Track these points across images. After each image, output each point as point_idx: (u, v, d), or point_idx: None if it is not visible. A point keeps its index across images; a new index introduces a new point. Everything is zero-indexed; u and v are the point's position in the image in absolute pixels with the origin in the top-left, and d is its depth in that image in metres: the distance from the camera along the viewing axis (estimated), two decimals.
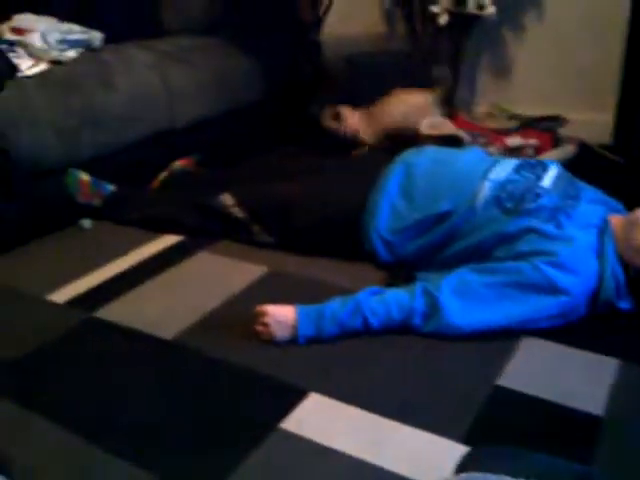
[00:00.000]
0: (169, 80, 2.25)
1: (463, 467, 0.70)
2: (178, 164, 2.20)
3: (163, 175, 2.15)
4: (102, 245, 1.87)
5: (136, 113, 2.13)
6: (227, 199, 1.84)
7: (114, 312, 1.54)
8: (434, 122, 2.23)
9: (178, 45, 2.39)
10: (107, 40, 2.21)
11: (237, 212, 1.83)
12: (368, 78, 2.62)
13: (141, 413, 1.22)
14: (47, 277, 1.69)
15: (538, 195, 1.52)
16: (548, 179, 1.58)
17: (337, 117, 2.45)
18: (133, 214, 1.96)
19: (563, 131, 2.50)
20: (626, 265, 1.45)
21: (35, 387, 1.29)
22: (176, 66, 2.29)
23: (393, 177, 1.70)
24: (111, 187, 2.02)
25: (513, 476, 0.61)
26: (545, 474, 0.62)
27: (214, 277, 1.70)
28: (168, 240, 1.90)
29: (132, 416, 1.21)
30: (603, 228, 1.49)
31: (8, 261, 1.80)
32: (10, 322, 1.52)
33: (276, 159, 2.22)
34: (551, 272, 1.38)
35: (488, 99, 2.82)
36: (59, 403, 1.25)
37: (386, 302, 1.41)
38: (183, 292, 1.64)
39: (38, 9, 2.17)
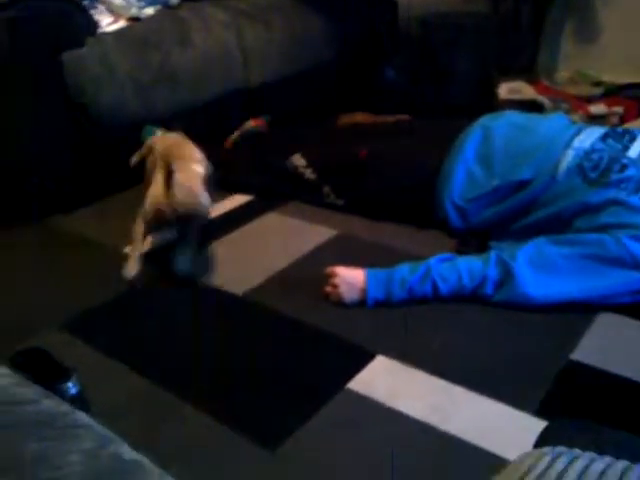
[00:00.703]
0: (244, 39, 2.24)
1: (544, 440, 0.68)
2: (250, 124, 2.20)
3: (235, 135, 2.17)
4: None
5: (211, 71, 2.14)
6: (298, 160, 1.84)
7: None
8: (513, 86, 2.14)
9: (254, 4, 2.37)
10: None
11: (308, 173, 1.83)
12: (443, 40, 2.53)
13: (213, 365, 1.25)
14: (124, 231, 1.74)
15: (624, 166, 1.44)
16: (636, 149, 1.50)
17: None
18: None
19: None
20: None
21: (116, 335, 1.35)
22: (252, 25, 2.28)
23: (470, 141, 1.65)
24: None
25: (587, 449, 0.59)
26: (621, 451, 0.60)
27: (283, 237, 1.71)
28: (238, 200, 1.92)
29: (206, 368, 1.25)
30: None
31: (88, 214, 1.86)
32: (91, 271, 1.58)
33: (349, 121, 2.19)
34: (634, 246, 1.32)
35: (571, 65, 2.68)
36: (139, 353, 1.29)
37: (457, 268, 1.39)
38: (252, 251, 1.66)
39: None
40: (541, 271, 1.37)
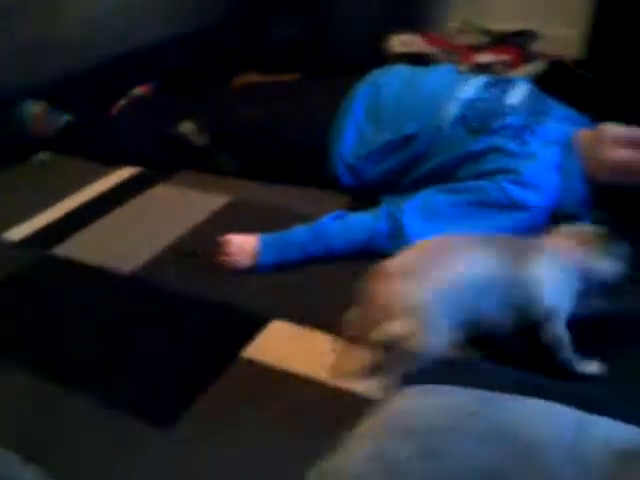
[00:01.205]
0: (121, 2, 2.12)
1: (409, 380, 0.70)
2: (137, 91, 2.10)
3: (121, 102, 2.06)
4: (58, 179, 1.80)
5: (88, 38, 2.03)
6: (187, 127, 1.77)
7: (72, 248, 1.49)
8: (404, 39, 2.15)
9: None
10: None
11: (198, 140, 1.77)
12: None
13: (102, 349, 1.20)
14: (1, 215, 1.63)
15: (505, 113, 1.48)
16: (517, 97, 1.54)
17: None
18: (89, 146, 1.89)
19: (535, 46, 2.43)
20: (590, 179, 1.43)
21: None
22: None
23: (359, 99, 1.64)
24: (67, 116, 1.94)
25: (468, 386, 0.61)
26: (484, 382, 0.63)
27: (175, 208, 1.66)
28: (126, 172, 1.83)
29: (93, 352, 1.19)
30: (568, 144, 1.46)
31: None
32: None
33: (240, 83, 2.14)
34: (513, 189, 1.37)
35: (460, 15, 2.71)
36: (19, 342, 1.22)
37: (349, 225, 1.40)
38: (142, 225, 1.60)
39: None
40: (429, 219, 1.40)
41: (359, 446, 0.50)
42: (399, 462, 0.47)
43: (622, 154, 1.41)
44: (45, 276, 1.42)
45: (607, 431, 0.52)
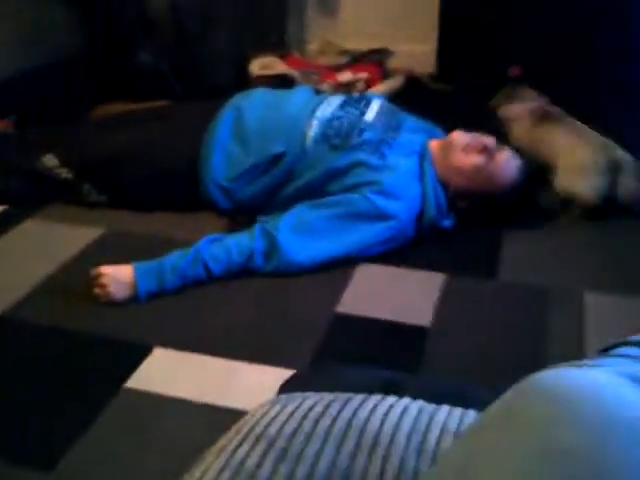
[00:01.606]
0: None
1: (284, 388, 0.74)
2: None
3: None
4: None
5: None
6: (50, 160, 1.72)
7: None
8: (265, 62, 2.21)
9: None
10: None
11: (63, 172, 1.72)
12: (195, 20, 2.52)
13: None
14: None
15: (362, 129, 1.58)
16: (371, 113, 1.65)
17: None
18: None
19: (391, 63, 2.59)
20: (445, 185, 1.56)
21: None
22: None
23: (224, 123, 1.68)
24: None
25: (320, 392, 0.64)
26: (353, 385, 0.67)
27: (46, 244, 1.61)
28: None
29: None
30: (423, 154, 1.59)
31: None
32: None
33: (104, 112, 2.10)
34: (378, 200, 1.47)
35: (319, 36, 2.83)
36: None
37: (226, 246, 1.43)
38: (12, 263, 1.53)
39: None
40: (302, 235, 1.46)
41: (211, 459, 0.52)
42: (248, 468, 0.49)
43: (470, 160, 1.55)
44: None
45: (445, 416, 0.58)
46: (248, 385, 1.16)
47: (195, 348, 1.24)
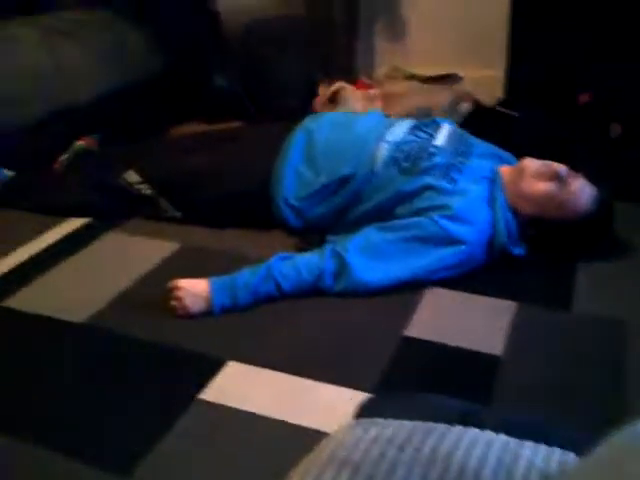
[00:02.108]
0: (59, 57, 2.16)
1: (358, 414, 0.75)
2: (79, 144, 2.13)
3: (64, 157, 2.09)
4: (4, 233, 1.80)
5: (26, 93, 2.05)
6: (132, 176, 1.81)
7: (23, 300, 1.50)
8: (335, 87, 2.26)
9: (67, 20, 2.29)
10: None
11: (144, 188, 1.81)
12: (268, 45, 2.61)
13: (61, 399, 1.21)
14: None
15: (432, 154, 1.59)
16: (441, 137, 1.66)
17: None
18: (34, 200, 1.90)
19: (459, 88, 2.60)
20: (516, 212, 1.55)
21: None
22: (66, 42, 2.21)
23: (295, 145, 1.73)
24: (9, 173, 1.94)
25: (399, 418, 0.66)
26: (430, 414, 0.68)
27: (125, 257, 1.69)
28: (74, 224, 1.85)
29: (46, 402, 1.20)
30: (493, 179, 1.59)
31: None
32: None
33: (181, 132, 2.20)
34: (447, 224, 1.47)
35: (387, 62, 2.87)
36: None
37: (296, 265, 1.46)
38: (93, 274, 1.61)
39: None
40: (372, 258, 1.48)
41: None
42: None
43: (541, 187, 1.54)
44: None
45: (531, 453, 0.57)
46: (318, 404, 1.18)
47: (266, 363, 1.27)
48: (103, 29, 2.36)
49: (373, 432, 0.59)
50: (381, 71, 2.82)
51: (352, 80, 2.49)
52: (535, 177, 1.55)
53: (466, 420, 0.64)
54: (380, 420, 0.65)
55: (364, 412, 0.72)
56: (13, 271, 1.63)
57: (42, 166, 2.03)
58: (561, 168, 1.54)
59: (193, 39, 2.63)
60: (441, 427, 0.62)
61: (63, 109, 2.15)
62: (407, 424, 0.63)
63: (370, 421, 0.63)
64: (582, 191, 1.54)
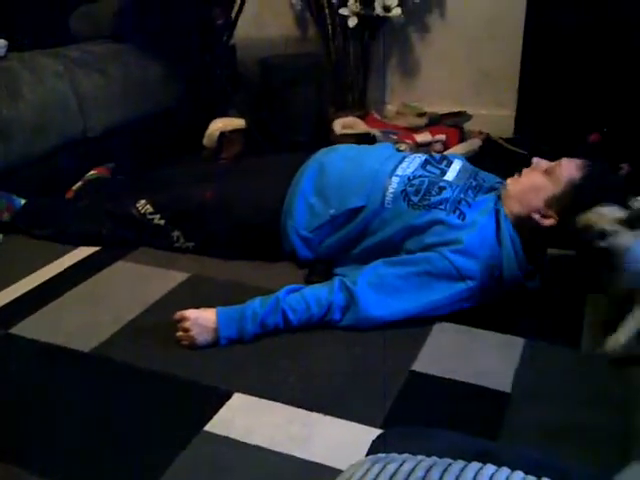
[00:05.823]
0: (79, 88, 2.21)
1: (373, 450, 0.74)
2: (93, 173, 2.16)
3: (77, 185, 2.12)
4: (15, 260, 1.82)
5: (46, 122, 2.09)
6: (144, 206, 1.83)
7: (31, 328, 1.50)
8: (346, 122, 2.29)
9: (88, 52, 2.35)
10: (12, 48, 2.15)
11: (156, 219, 1.82)
12: (282, 80, 2.66)
13: (65, 427, 1.20)
14: None
15: (442, 188, 1.60)
16: (452, 172, 1.67)
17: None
18: (46, 228, 1.92)
19: (469, 126, 2.63)
20: (522, 232, 1.54)
21: None
22: (86, 73, 2.26)
23: (307, 176, 1.74)
24: (22, 201, 1.97)
25: (415, 454, 0.65)
26: (446, 450, 0.67)
27: (134, 286, 1.69)
28: (84, 252, 1.87)
29: (52, 431, 1.19)
30: (498, 208, 1.58)
31: None
32: None
33: (194, 164, 2.22)
34: (457, 259, 1.47)
35: (398, 98, 2.92)
36: None
37: (305, 298, 1.45)
38: (102, 303, 1.62)
39: None
40: (380, 292, 1.47)
41: None
42: None
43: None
44: (4, 356, 1.42)
45: None
46: (325, 438, 1.16)
47: (273, 396, 1.26)
48: (121, 61, 2.41)
49: (391, 468, 0.58)
50: (391, 107, 2.86)
51: (363, 115, 2.53)
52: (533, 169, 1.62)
53: (483, 457, 0.63)
54: (396, 456, 0.64)
55: (379, 447, 0.71)
56: (22, 298, 1.64)
57: (55, 194, 2.06)
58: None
59: (208, 72, 2.68)
60: (459, 463, 0.61)
61: (79, 138, 2.19)
62: (425, 460, 0.62)
63: (388, 457, 0.62)
64: (569, 161, 1.58)
